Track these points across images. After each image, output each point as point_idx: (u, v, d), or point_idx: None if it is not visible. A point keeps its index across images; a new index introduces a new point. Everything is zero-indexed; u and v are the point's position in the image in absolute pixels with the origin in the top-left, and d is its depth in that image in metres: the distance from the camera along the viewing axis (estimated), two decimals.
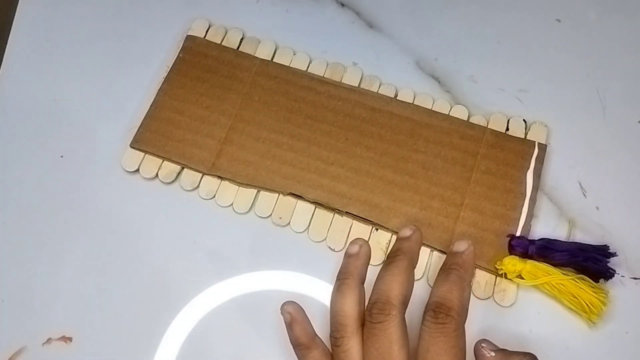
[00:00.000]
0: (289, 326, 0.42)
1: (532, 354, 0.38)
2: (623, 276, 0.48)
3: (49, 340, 0.49)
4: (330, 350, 0.41)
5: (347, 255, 0.42)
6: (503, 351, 0.39)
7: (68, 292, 0.50)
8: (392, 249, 0.43)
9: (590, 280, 0.47)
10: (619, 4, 0.58)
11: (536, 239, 0.49)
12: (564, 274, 0.47)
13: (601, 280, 0.47)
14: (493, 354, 0.39)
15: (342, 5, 0.59)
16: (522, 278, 0.47)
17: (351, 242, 0.43)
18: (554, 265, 0.47)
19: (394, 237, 0.50)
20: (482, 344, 0.40)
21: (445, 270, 0.41)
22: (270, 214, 0.52)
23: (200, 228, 0.52)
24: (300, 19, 0.59)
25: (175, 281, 0.50)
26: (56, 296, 0.50)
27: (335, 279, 0.42)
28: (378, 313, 0.39)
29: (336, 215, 0.51)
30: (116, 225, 0.52)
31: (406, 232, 0.44)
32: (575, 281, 0.46)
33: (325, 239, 0.51)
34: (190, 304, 0.50)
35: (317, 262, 0.50)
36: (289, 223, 0.51)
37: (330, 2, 0.59)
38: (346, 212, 0.50)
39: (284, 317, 0.42)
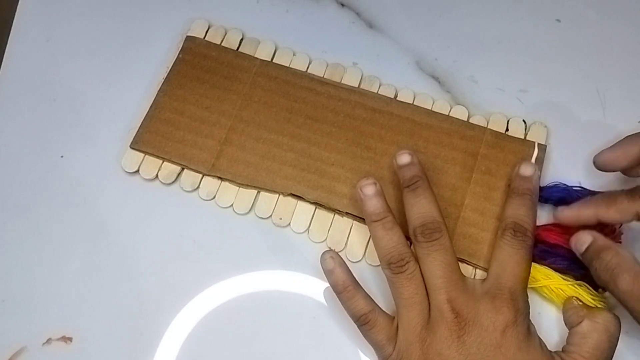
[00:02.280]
0: (332, 272, 0.46)
1: (618, 318, 0.43)
2: None
3: (49, 340, 0.49)
4: (391, 281, 0.45)
5: (368, 197, 0.46)
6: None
7: (68, 292, 0.50)
8: (403, 177, 0.47)
9: (590, 288, 0.47)
10: (619, 4, 0.58)
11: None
12: (564, 279, 0.47)
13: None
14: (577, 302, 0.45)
15: (342, 5, 0.59)
16: None
17: (362, 186, 0.46)
18: (554, 269, 0.47)
19: None
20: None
21: (519, 194, 0.46)
22: (271, 215, 0.52)
23: (200, 229, 0.52)
24: (300, 19, 0.59)
25: (175, 281, 0.50)
26: (56, 296, 0.50)
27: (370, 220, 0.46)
28: (431, 232, 0.44)
29: (336, 215, 0.51)
30: (116, 226, 0.52)
31: (405, 158, 0.47)
32: (575, 287, 0.46)
33: (325, 239, 0.51)
34: (190, 304, 0.50)
35: (317, 263, 0.50)
36: (289, 224, 0.51)
37: (330, 2, 0.59)
38: (346, 213, 0.50)
39: (325, 264, 0.46)
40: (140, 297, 0.50)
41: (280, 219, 0.51)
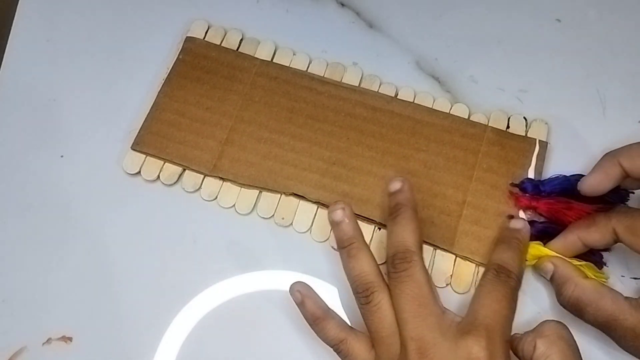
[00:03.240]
0: (302, 304, 0.43)
1: (562, 323, 0.42)
2: (623, 276, 0.48)
3: (49, 340, 0.48)
4: (360, 311, 0.43)
5: (337, 224, 0.44)
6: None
7: (68, 292, 0.50)
8: (390, 204, 0.45)
9: (594, 267, 0.47)
10: (619, 4, 0.58)
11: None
12: (568, 259, 0.47)
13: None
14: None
15: (342, 5, 0.59)
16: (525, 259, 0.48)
17: (330, 211, 0.44)
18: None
19: None
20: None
21: (506, 241, 0.45)
22: (273, 215, 0.51)
23: (202, 229, 0.52)
24: (300, 19, 0.59)
25: (176, 281, 0.50)
26: (56, 296, 0.50)
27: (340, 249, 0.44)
28: (401, 262, 0.41)
29: None
30: (117, 227, 0.52)
31: (396, 185, 0.46)
32: (580, 267, 0.46)
33: (327, 239, 0.51)
34: (190, 303, 0.49)
35: (319, 262, 0.50)
36: (291, 223, 0.51)
37: (330, 2, 0.60)
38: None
39: (294, 297, 0.44)
40: (140, 297, 0.50)
41: (283, 218, 0.51)
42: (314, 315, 0.43)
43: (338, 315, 0.44)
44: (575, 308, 0.44)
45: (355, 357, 0.42)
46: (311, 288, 0.44)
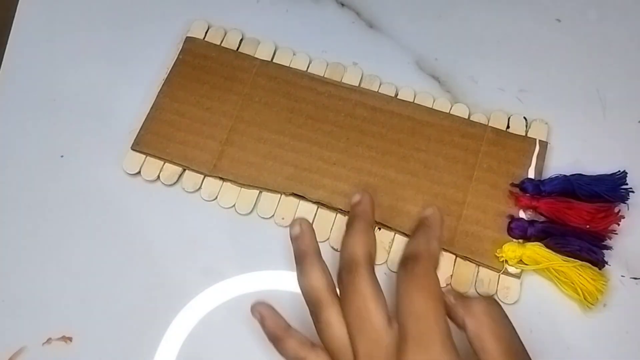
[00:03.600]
0: (261, 324, 0.42)
1: (494, 299, 0.39)
2: (623, 276, 0.48)
3: (49, 340, 0.48)
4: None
5: (293, 239, 0.43)
6: (462, 296, 0.39)
7: (68, 292, 0.50)
8: (348, 217, 0.44)
9: (593, 267, 0.47)
10: (619, 4, 0.58)
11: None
12: (565, 260, 0.47)
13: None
14: (453, 300, 0.39)
15: (342, 5, 0.59)
16: (524, 263, 0.48)
17: (290, 226, 0.43)
18: (554, 251, 0.48)
19: (397, 236, 0.50)
20: (448, 295, 0.39)
21: (412, 231, 0.43)
22: (273, 215, 0.51)
23: (202, 229, 0.52)
24: (300, 19, 0.59)
25: (176, 281, 0.50)
26: (56, 296, 0.50)
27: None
28: (346, 274, 0.39)
29: (339, 215, 0.51)
30: (117, 226, 0.52)
31: (356, 198, 0.44)
32: (577, 268, 0.47)
33: (328, 239, 0.51)
34: (190, 304, 0.49)
35: None
36: None
37: (330, 2, 0.60)
38: (348, 212, 0.50)
39: (255, 317, 0.42)
40: (140, 297, 0.50)
41: (283, 218, 0.51)
42: (273, 335, 0.42)
43: (300, 334, 0.42)
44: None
45: None
46: (271, 307, 0.42)
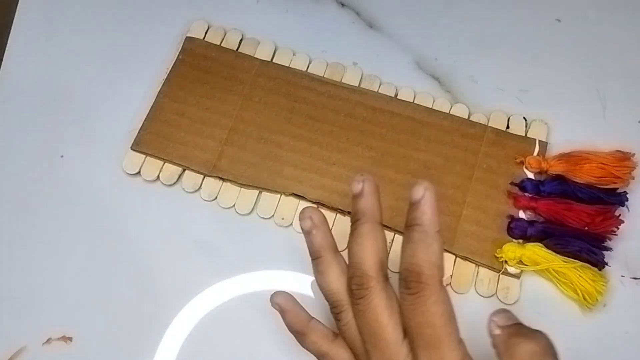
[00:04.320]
0: (282, 317, 0.41)
1: (546, 342, 0.35)
2: (623, 276, 0.48)
3: (49, 340, 0.49)
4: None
5: (306, 233, 0.40)
6: (510, 327, 0.36)
7: (68, 292, 0.50)
8: (351, 211, 0.39)
9: (593, 268, 0.47)
10: (619, 4, 0.58)
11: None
12: (565, 261, 0.47)
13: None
14: (498, 332, 0.36)
15: (342, 5, 0.59)
16: (524, 264, 0.48)
17: (300, 219, 0.40)
18: (554, 251, 0.48)
19: (397, 236, 0.50)
20: (493, 318, 0.36)
21: (406, 228, 0.37)
22: (273, 215, 0.52)
23: (202, 230, 0.52)
24: (300, 19, 0.59)
25: (176, 281, 0.50)
26: (56, 296, 0.50)
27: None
28: (357, 289, 0.37)
29: (338, 215, 0.51)
30: (117, 227, 0.52)
31: (357, 188, 0.39)
32: (576, 269, 0.47)
33: None
34: (190, 304, 0.49)
35: None
36: (291, 224, 0.51)
37: (330, 2, 0.60)
38: (348, 212, 0.50)
39: (274, 308, 0.41)
40: (140, 297, 0.50)
41: (283, 218, 0.51)
42: (293, 329, 0.41)
43: (322, 325, 0.41)
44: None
45: None
46: (292, 298, 0.42)
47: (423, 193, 0.36)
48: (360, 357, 0.39)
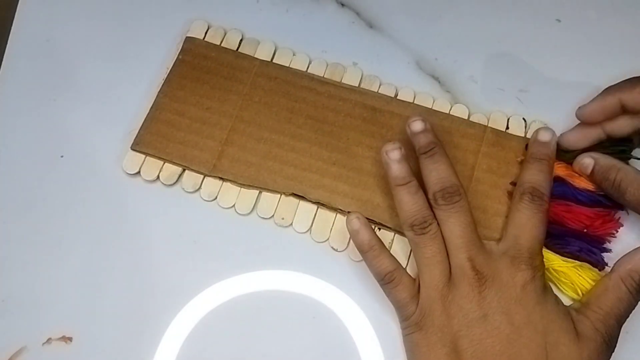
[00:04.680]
0: (357, 232, 0.46)
1: None
2: None
3: (49, 340, 0.48)
4: (412, 242, 0.47)
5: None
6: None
7: (68, 292, 0.50)
8: (419, 143, 0.48)
9: (592, 268, 0.47)
10: (619, 4, 0.58)
11: None
12: (564, 261, 0.47)
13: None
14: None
15: (342, 5, 0.59)
16: None
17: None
18: (554, 251, 0.48)
19: (397, 235, 0.50)
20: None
21: (536, 159, 0.48)
22: (273, 215, 0.51)
23: (202, 230, 0.52)
24: (300, 19, 0.59)
25: (176, 281, 0.50)
26: (56, 296, 0.50)
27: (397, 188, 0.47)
28: (451, 195, 0.45)
29: (339, 215, 0.51)
30: (117, 227, 0.52)
31: (419, 126, 0.48)
32: (576, 268, 0.47)
33: (327, 239, 0.51)
34: (190, 304, 0.49)
35: (319, 263, 0.50)
36: (291, 224, 0.51)
37: (330, 2, 0.59)
38: (349, 212, 0.50)
39: (351, 224, 0.47)
40: (140, 297, 0.50)
41: (282, 219, 0.51)
42: (370, 243, 0.46)
43: (388, 249, 0.47)
44: (617, 190, 0.46)
45: (404, 287, 0.46)
46: (366, 220, 0.47)
47: (551, 137, 0.49)
48: (438, 265, 0.45)
